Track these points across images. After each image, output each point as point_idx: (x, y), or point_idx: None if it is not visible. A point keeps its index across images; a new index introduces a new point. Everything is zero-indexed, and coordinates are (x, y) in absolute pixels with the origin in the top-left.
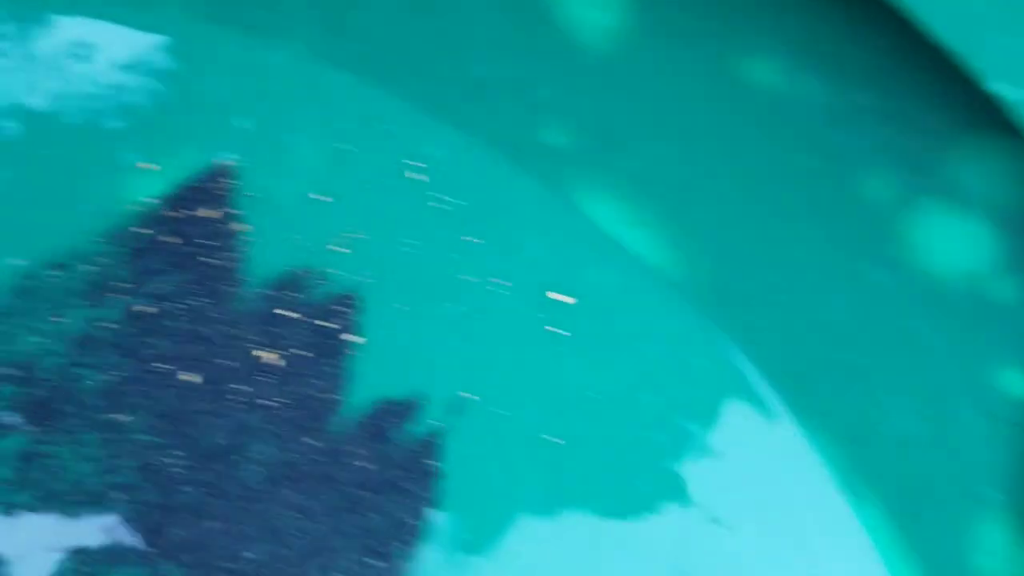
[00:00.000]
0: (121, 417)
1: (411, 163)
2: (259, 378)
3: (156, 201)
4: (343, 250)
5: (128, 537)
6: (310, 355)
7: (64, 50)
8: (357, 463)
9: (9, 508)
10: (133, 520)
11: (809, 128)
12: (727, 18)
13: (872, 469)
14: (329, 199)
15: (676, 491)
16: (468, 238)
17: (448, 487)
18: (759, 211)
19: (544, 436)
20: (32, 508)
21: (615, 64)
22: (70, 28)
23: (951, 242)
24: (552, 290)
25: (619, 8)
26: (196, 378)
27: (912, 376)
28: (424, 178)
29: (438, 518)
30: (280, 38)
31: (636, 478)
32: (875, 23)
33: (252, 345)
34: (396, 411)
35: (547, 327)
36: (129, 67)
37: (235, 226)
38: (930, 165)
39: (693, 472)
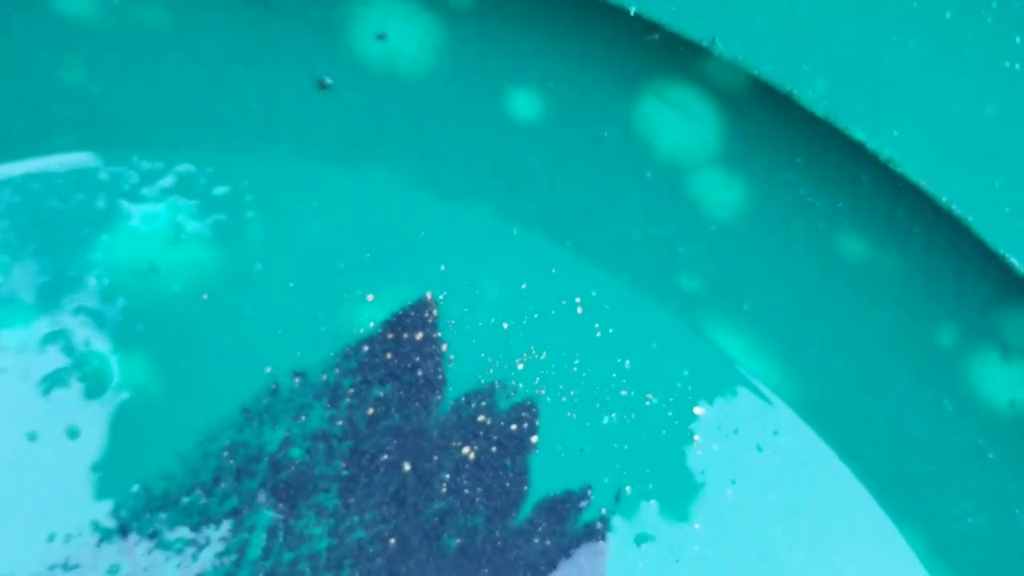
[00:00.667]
0: (352, 499)
1: (576, 300)
2: (459, 471)
3: (376, 325)
4: (523, 368)
5: None
6: (500, 452)
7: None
8: (542, 541)
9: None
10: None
11: (889, 288)
12: (829, 198)
13: (951, 557)
14: (510, 326)
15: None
16: (621, 361)
17: (612, 564)
18: (854, 352)
19: (687, 524)
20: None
21: (738, 231)
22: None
23: (1001, 379)
24: (690, 404)
25: (741, 190)
26: (408, 467)
27: (975, 482)
28: (583, 311)
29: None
30: (471, 198)
31: (761, 565)
32: (931, 211)
33: (452, 443)
34: (571, 499)
35: (687, 433)
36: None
37: (439, 347)
38: (986, 318)
39: (805, 569)
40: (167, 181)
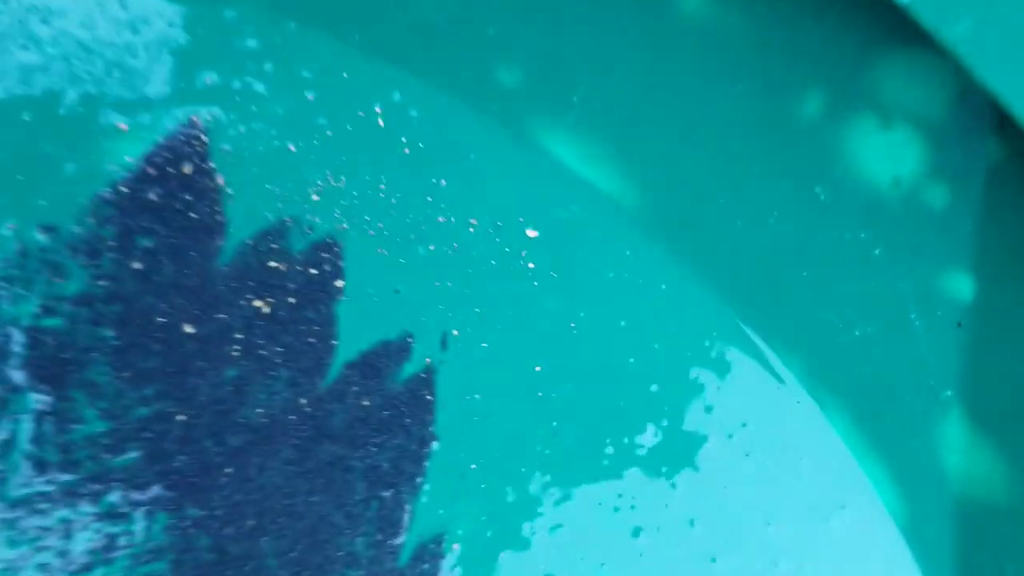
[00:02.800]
0: (126, 373)
1: (374, 110)
2: (253, 328)
3: (135, 160)
4: (319, 199)
5: (142, 482)
6: (299, 303)
7: (28, 11)
8: (358, 402)
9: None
10: (148, 465)
11: (739, 55)
12: None
13: (834, 376)
14: (298, 148)
15: (651, 412)
16: (436, 180)
17: (442, 421)
18: (703, 139)
19: (525, 364)
20: (49, 462)
21: (557, 4)
22: None
23: (882, 153)
24: (520, 225)
25: None
26: (191, 329)
27: (860, 284)
28: (385, 124)
29: (436, 447)
30: None
31: (616, 399)
32: None
33: (241, 296)
34: (389, 351)
35: (519, 260)
36: (90, 26)
37: (214, 180)
38: (855, 82)
39: (665, 393)
40: None
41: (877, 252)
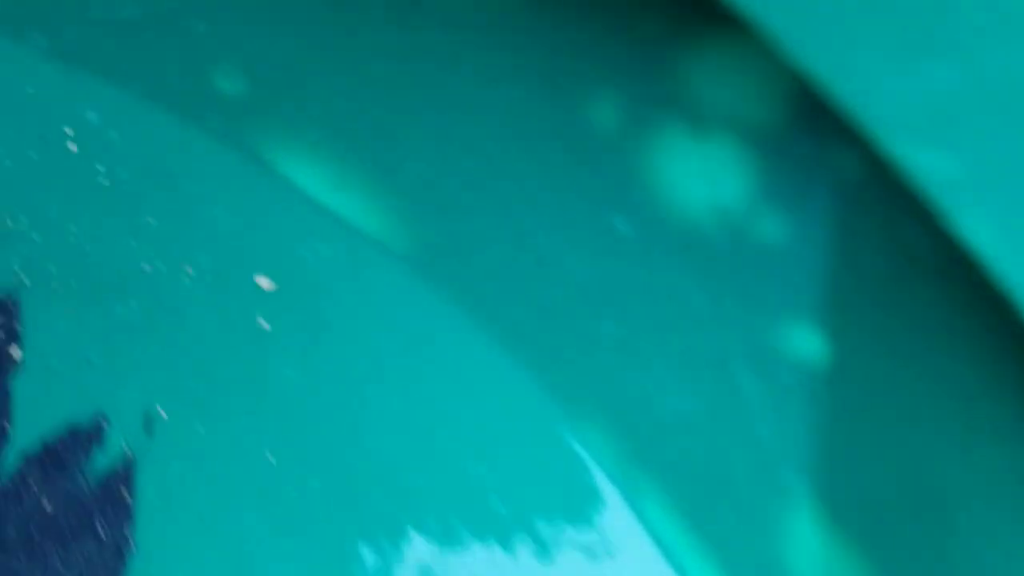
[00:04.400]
0: None
1: (64, 130)
2: None
3: None
4: None
5: None
6: None
7: None
8: (38, 503)
9: None
10: None
11: (510, 52)
12: None
13: (649, 455)
14: None
15: (418, 511)
16: (143, 219)
17: (144, 525)
18: (473, 155)
19: (254, 454)
20: None
21: None
22: None
23: (697, 172)
24: (251, 272)
25: None
26: None
27: (678, 341)
28: (78, 149)
29: (135, 560)
30: None
31: (372, 496)
32: None
33: None
34: (78, 438)
35: (249, 319)
36: None
37: None
38: (659, 80)
39: (437, 484)
40: None
41: (697, 299)
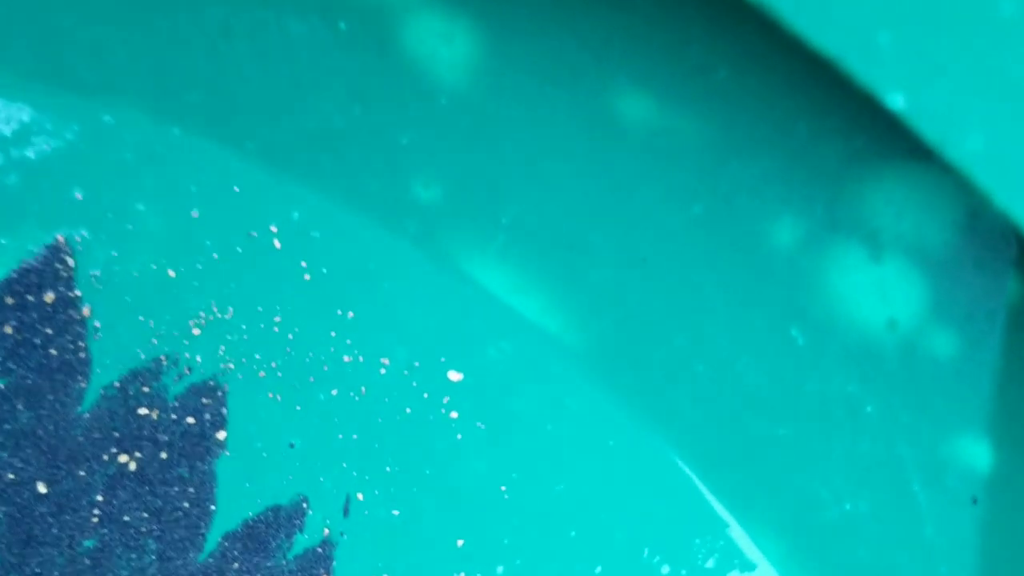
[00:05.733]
0: None
1: (270, 227)
2: (116, 488)
3: None
4: (200, 333)
5: None
6: (172, 458)
7: None
8: None
9: None
10: None
11: (697, 171)
12: (590, 50)
13: (818, 562)
14: (178, 273)
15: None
16: (342, 312)
17: None
18: (654, 269)
19: (444, 538)
20: None
21: (473, 104)
22: None
23: (872, 290)
24: (442, 366)
25: (468, 38)
26: (44, 489)
27: (848, 446)
28: (282, 245)
29: None
30: (112, 96)
31: None
32: (750, 42)
33: (105, 449)
34: (279, 518)
35: (440, 409)
36: None
37: (79, 312)
38: (838, 205)
39: (617, 571)
40: None
41: (869, 409)
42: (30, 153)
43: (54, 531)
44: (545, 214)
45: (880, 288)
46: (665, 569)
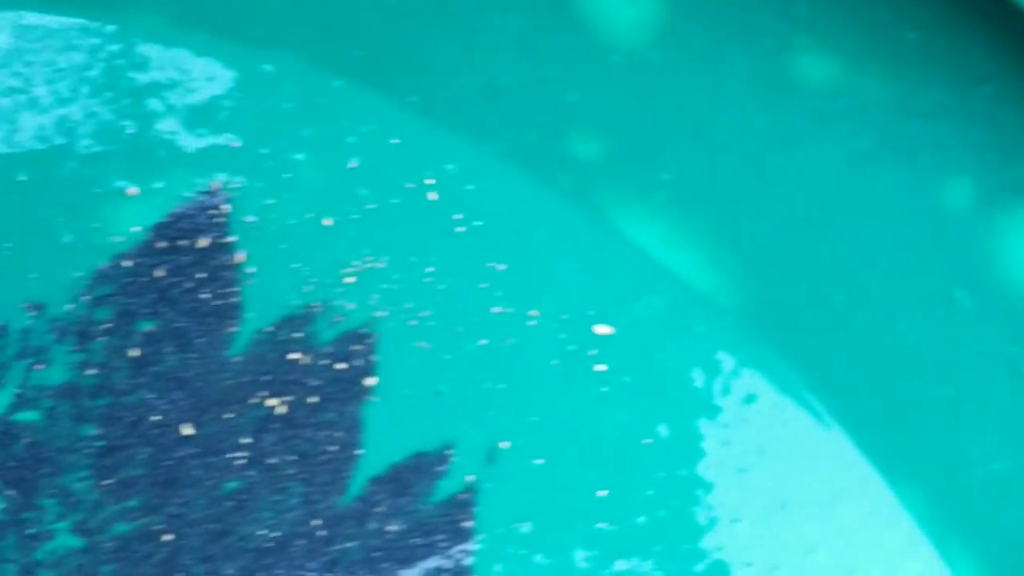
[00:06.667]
0: (108, 480)
1: (425, 181)
2: (264, 431)
3: (142, 231)
4: (354, 281)
5: None
6: (321, 403)
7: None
8: (383, 526)
9: None
10: None
11: (873, 130)
12: (773, 9)
13: (966, 517)
14: (334, 223)
15: (744, 556)
16: (493, 265)
17: (484, 551)
18: (820, 224)
19: (586, 489)
20: None
21: (649, 63)
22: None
23: None
24: (590, 320)
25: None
26: (190, 431)
27: (1005, 410)
28: (438, 197)
29: None
30: (274, 46)
31: (697, 540)
32: (941, 4)
33: (253, 393)
34: (423, 465)
35: (587, 362)
36: (105, 83)
37: (232, 257)
38: (1013, 169)
39: (761, 533)
40: None
41: None
42: (187, 99)
43: (197, 473)
44: (709, 172)
45: None
46: (807, 527)
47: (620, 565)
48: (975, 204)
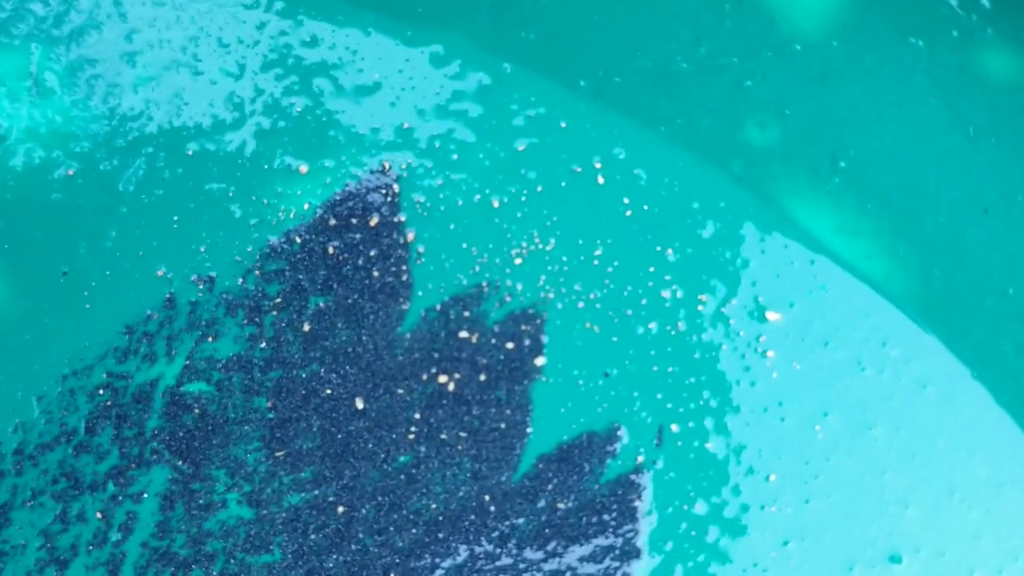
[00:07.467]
0: (280, 452)
1: (595, 165)
2: (434, 407)
3: (312, 208)
4: (521, 262)
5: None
6: (490, 380)
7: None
8: (553, 503)
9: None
10: (294, 567)
11: None
12: (959, 2)
13: None
14: (502, 204)
15: (909, 544)
16: (662, 249)
17: (654, 532)
18: (996, 216)
19: (755, 470)
20: (175, 555)
21: (830, 52)
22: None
23: None
24: (760, 307)
25: None
26: (362, 405)
27: None
28: (606, 181)
29: (644, 566)
30: (443, 27)
31: (868, 527)
32: None
33: (423, 370)
34: (593, 445)
35: (756, 348)
36: (274, 60)
37: (403, 236)
38: None
39: (931, 521)
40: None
41: None
42: (358, 79)
43: (369, 446)
44: (886, 161)
45: None
46: (973, 514)
47: (792, 547)
48: None
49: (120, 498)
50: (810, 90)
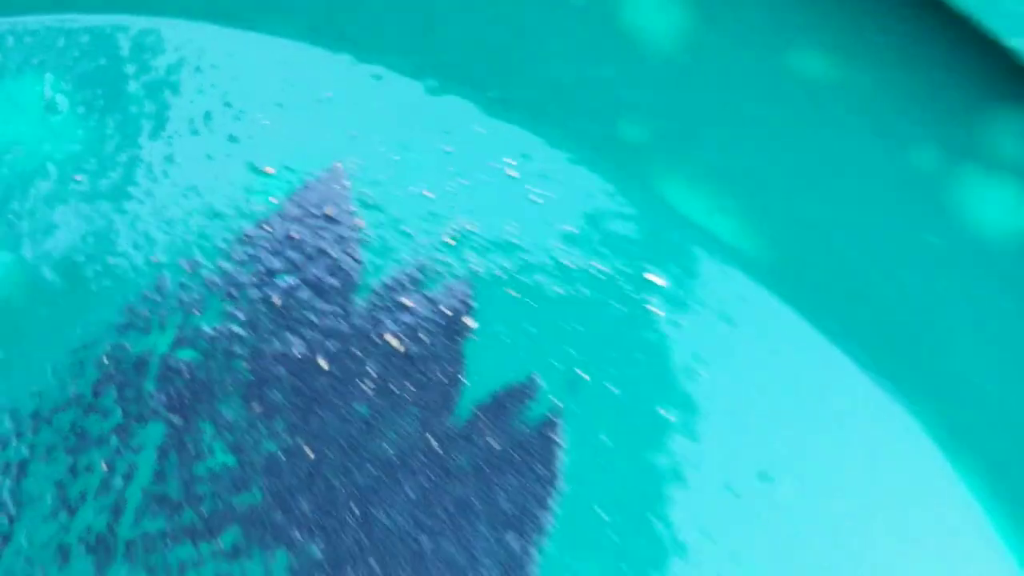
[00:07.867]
0: (257, 405)
1: (506, 161)
2: (386, 365)
3: (281, 201)
4: (453, 242)
5: (267, 512)
6: (432, 341)
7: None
8: (488, 444)
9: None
10: (272, 504)
11: (858, 111)
12: (777, 17)
13: (971, 431)
14: (435, 195)
15: (784, 461)
16: (565, 227)
17: (570, 463)
18: (824, 191)
19: (655, 412)
20: (169, 497)
21: (681, 63)
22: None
23: (995, 205)
24: (645, 272)
25: (679, 11)
26: (325, 364)
27: (985, 333)
28: (516, 174)
29: (563, 492)
30: (379, 52)
31: (745, 449)
32: (905, 7)
33: (376, 333)
34: (517, 392)
35: (646, 307)
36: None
37: (354, 224)
38: (968, 135)
39: (797, 447)
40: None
41: (1000, 302)
42: (315, 95)
43: (333, 399)
44: (734, 149)
45: (1004, 205)
46: (837, 442)
47: (679, 473)
48: (939, 163)
49: (122, 451)
50: (671, 94)
